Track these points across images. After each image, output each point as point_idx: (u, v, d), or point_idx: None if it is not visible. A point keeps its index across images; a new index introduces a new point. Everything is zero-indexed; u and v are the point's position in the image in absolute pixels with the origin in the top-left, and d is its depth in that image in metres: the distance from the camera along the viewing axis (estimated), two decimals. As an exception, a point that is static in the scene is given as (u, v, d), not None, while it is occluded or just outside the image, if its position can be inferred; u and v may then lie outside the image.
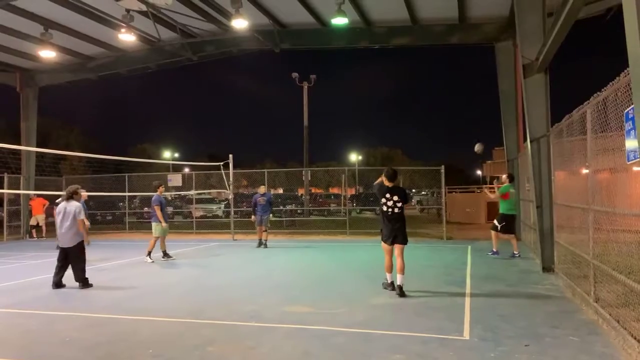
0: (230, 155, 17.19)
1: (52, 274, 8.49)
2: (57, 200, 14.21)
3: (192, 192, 21.25)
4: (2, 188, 18.13)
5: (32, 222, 18.81)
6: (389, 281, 7.65)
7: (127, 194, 20.33)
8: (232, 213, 18.03)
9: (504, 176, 12.13)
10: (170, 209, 27.52)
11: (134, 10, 13.64)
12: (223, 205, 27.57)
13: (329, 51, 19.02)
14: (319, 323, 5.84)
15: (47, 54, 16.01)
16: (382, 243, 7.63)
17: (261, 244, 14.11)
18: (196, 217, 22.60)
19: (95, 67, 19.27)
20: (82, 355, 4.86)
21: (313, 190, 32.07)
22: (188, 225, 21.59)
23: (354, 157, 50.14)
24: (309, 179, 25.15)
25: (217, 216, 26.73)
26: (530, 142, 9.55)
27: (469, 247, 13.46)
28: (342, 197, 27.56)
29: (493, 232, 11.54)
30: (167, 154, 52.89)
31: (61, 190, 19.76)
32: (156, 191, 11.98)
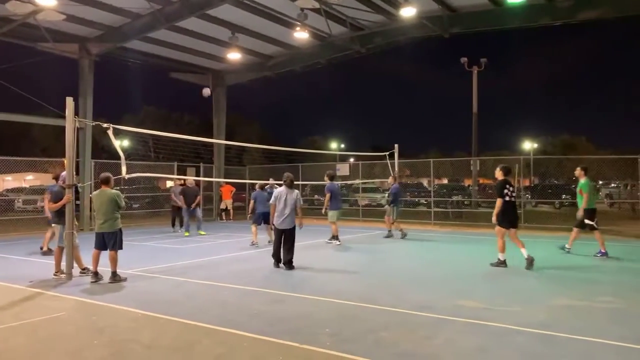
0: (396, 145, 17.25)
1: (273, 254, 9.13)
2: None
3: (358, 181, 21.88)
4: (199, 176, 20.82)
5: (222, 206, 21.27)
6: (503, 259, 8.85)
7: (300, 182, 21.73)
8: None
9: (579, 170, 10.41)
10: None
11: (307, 9, 14.44)
12: (387, 194, 27.81)
13: (500, 32, 17.83)
14: (494, 320, 5.57)
15: (234, 56, 17.83)
16: (502, 228, 8.78)
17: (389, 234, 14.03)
18: (362, 206, 23.22)
19: (273, 66, 20.92)
20: (268, 328, 5.35)
21: (481, 181, 30.48)
22: (354, 213, 22.31)
23: (528, 145, 46.31)
24: (478, 168, 23.94)
25: (381, 205, 27.09)
26: None
27: (675, 249, 11.53)
28: (515, 189, 25.75)
29: (597, 232, 10.17)
30: (334, 145, 55.14)
31: (244, 179, 22.01)
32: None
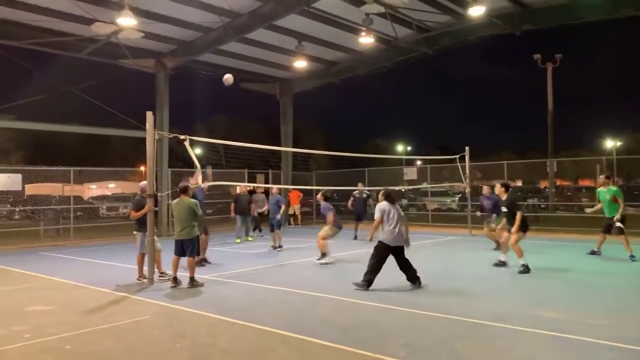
0: (467, 148, 16.77)
1: (371, 277, 7.80)
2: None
3: (426, 184, 21.51)
4: (268, 182, 21.30)
5: (290, 211, 21.60)
6: (525, 262, 8.99)
7: (367, 187, 21.63)
8: (469, 207, 17.58)
9: (603, 177, 10.80)
10: (405, 202, 28.47)
11: (373, 14, 14.42)
12: (457, 199, 27.15)
13: (577, 26, 16.81)
14: (579, 333, 5.25)
15: (300, 64, 18.11)
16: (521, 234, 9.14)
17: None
18: (431, 210, 22.80)
19: (337, 72, 21.04)
20: (339, 335, 5.37)
21: (559, 183, 28.94)
22: (423, 218, 21.93)
23: (610, 143, 43.39)
24: (555, 170, 22.75)
25: (451, 209, 26.46)
26: None
27: None
28: (597, 191, 24.24)
29: (624, 237, 10.16)
30: (399, 148, 54.47)
31: (310, 185, 22.23)
32: None
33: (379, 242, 7.96)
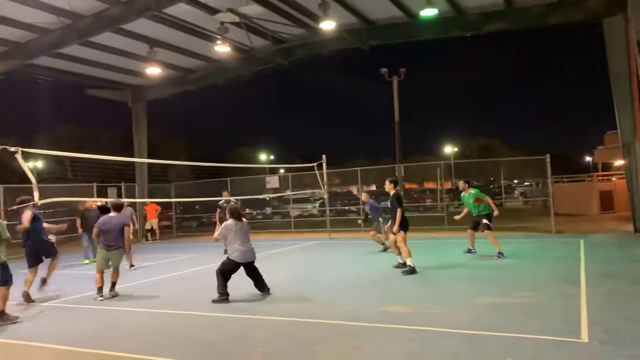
0: (324, 156, 17.45)
1: (222, 292, 7.61)
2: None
3: (288, 192, 21.92)
4: (121, 196, 19.89)
5: (147, 226, 20.42)
6: (412, 264, 9.11)
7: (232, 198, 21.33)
8: (328, 212, 18.30)
9: (462, 182, 11.13)
10: (269, 210, 28.75)
11: (228, 23, 14.34)
12: (318, 204, 28.15)
13: (420, 43, 18.56)
14: (422, 324, 5.74)
15: (153, 71, 17.28)
16: (404, 234, 9.31)
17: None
18: (293, 217, 23.30)
19: (195, 79, 20.53)
20: (201, 352, 5.20)
21: (407, 186, 31.55)
22: (286, 225, 22.31)
23: (449, 149, 48.61)
24: (403, 174, 24.74)
25: (312, 215, 27.34)
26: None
27: (582, 240, 12.51)
28: (438, 192, 26.98)
29: (491, 234, 10.51)
30: (262, 156, 54.83)
31: (170, 197, 21.27)
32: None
33: (228, 258, 7.84)
